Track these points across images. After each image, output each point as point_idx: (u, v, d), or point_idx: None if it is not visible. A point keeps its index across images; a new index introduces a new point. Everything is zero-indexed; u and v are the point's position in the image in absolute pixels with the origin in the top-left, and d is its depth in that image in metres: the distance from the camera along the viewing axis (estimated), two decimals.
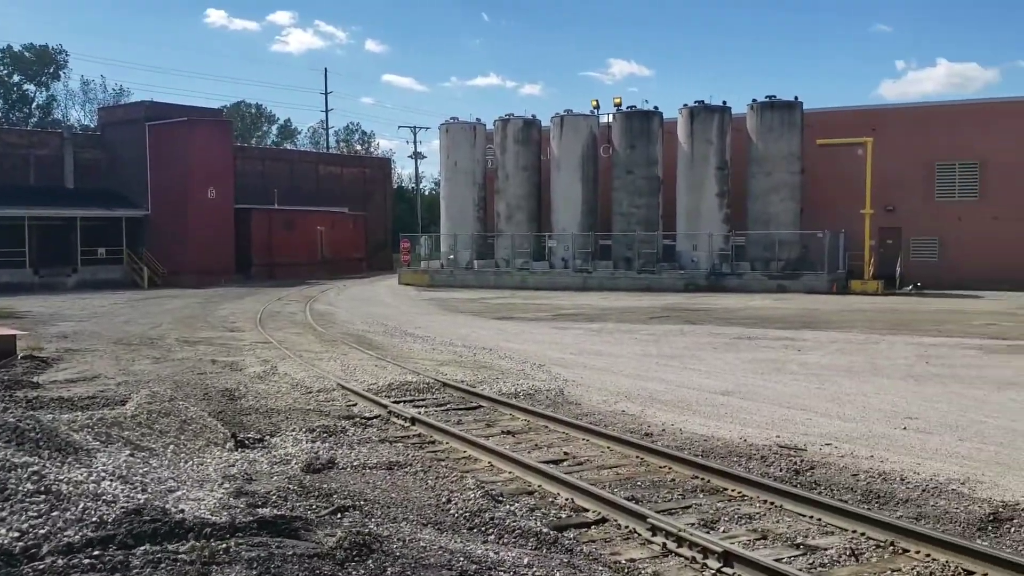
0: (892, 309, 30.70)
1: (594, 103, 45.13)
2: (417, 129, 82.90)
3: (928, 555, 6.95)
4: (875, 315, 28.39)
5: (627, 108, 44.09)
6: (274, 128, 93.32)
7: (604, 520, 8.04)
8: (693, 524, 7.73)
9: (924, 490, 8.73)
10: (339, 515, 7.81)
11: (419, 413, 12.43)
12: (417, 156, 79.40)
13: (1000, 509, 8.09)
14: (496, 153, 46.87)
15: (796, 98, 41.91)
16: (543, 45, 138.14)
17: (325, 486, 8.78)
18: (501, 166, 46.47)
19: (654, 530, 7.53)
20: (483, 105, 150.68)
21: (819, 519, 7.86)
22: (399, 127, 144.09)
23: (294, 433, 11.29)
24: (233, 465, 9.54)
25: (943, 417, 12.39)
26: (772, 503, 8.35)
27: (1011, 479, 9.12)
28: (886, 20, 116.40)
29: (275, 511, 7.48)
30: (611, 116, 44.54)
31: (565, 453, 10.53)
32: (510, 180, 46.27)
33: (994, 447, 10.60)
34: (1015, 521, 7.78)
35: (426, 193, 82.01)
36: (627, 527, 7.81)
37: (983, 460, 9.95)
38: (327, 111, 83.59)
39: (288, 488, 8.64)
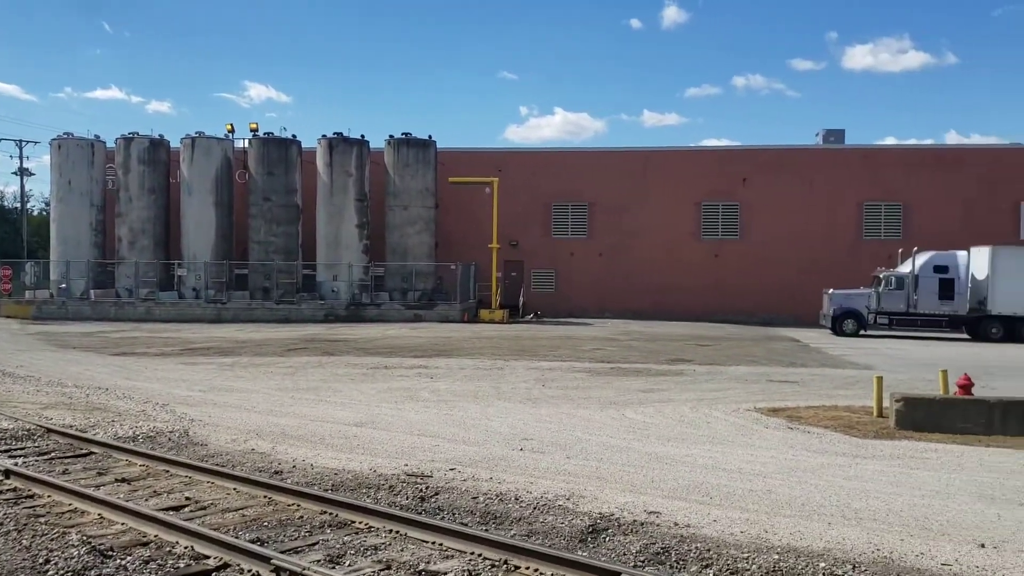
0: (516, 336, 33.02)
1: (229, 127, 43.77)
2: (23, 143, 74.17)
3: (536, 570, 7.49)
4: (501, 342, 30.34)
5: (264, 134, 43.27)
6: None
7: (226, 566, 7.67)
8: (319, 561, 7.65)
9: (535, 507, 9.43)
10: None
11: (15, 464, 11.03)
12: (23, 173, 70.97)
13: (598, 521, 8.97)
14: (118, 173, 43.50)
15: (430, 136, 43.89)
16: (174, 61, 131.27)
17: None
18: (124, 187, 43.24)
19: (278, 571, 7.34)
20: (104, 121, 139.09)
21: (441, 544, 8.15)
22: (0, 139, 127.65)
23: None
24: None
25: (555, 437, 13.52)
26: (398, 532, 8.51)
27: (608, 492, 10.16)
28: (511, 68, 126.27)
29: None
30: (247, 141, 43.41)
31: (187, 498, 9.93)
32: (134, 203, 43.20)
33: (595, 463, 11.75)
34: (609, 531, 8.67)
35: (35, 214, 73.68)
36: (250, 571, 7.53)
37: (585, 475, 10.98)
38: None
39: None
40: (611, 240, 46.39)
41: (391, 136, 43.57)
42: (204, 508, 9.53)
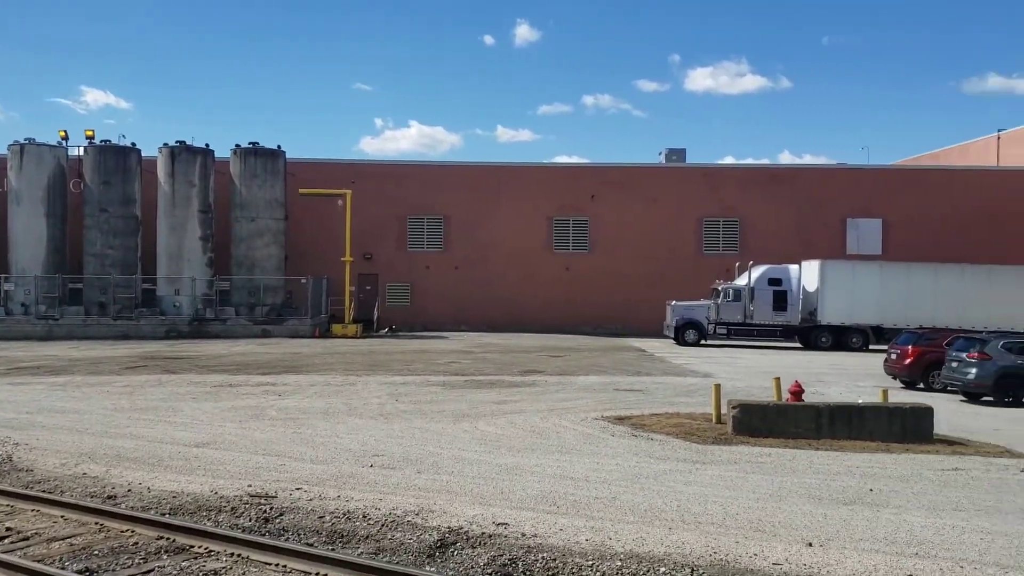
0: (370, 351, 32.62)
1: (62, 133, 41.39)
2: None
3: None
4: (354, 357, 29.90)
5: (101, 142, 41.17)
6: None
7: None
8: None
9: (384, 524, 9.32)
10: None
11: None
12: None
13: (447, 535, 8.95)
14: None
15: (279, 146, 42.87)
16: (2, 63, 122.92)
17: None
18: None
19: None
20: None
21: (285, 565, 7.94)
22: None
23: None
24: None
25: (406, 452, 13.42)
26: (239, 555, 8.23)
27: (458, 505, 10.16)
28: (366, 80, 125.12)
29: None
30: (83, 149, 41.15)
31: (8, 529, 9.26)
32: None
33: (446, 476, 11.74)
34: (458, 545, 8.67)
35: None
36: None
37: (436, 490, 10.95)
38: None
39: None
40: (467, 253, 46.64)
41: (237, 145, 42.26)
42: (27, 539, 8.92)
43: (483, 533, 9.03)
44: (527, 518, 9.61)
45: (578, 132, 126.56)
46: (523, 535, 8.99)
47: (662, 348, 36.30)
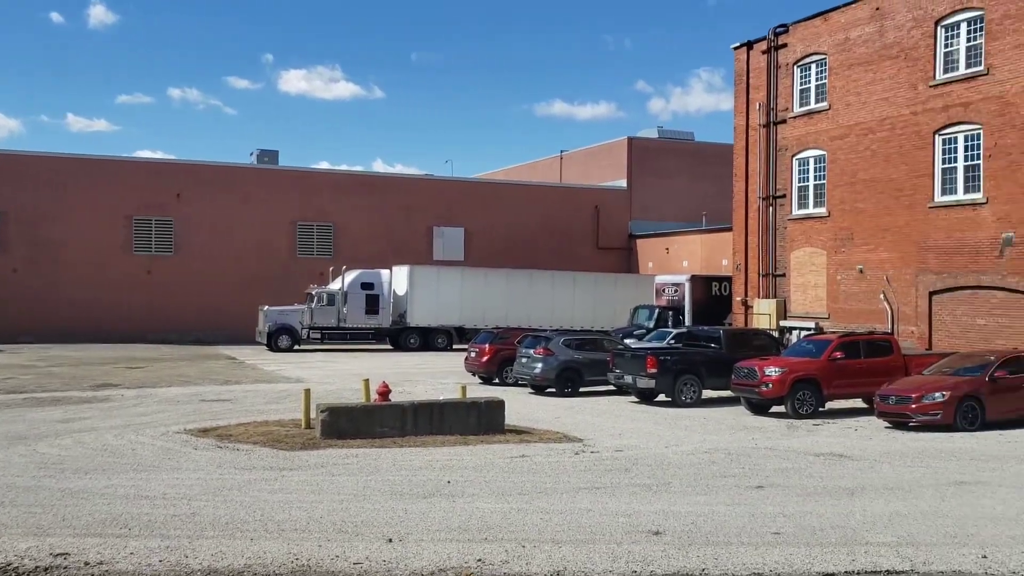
0: None
1: None
2: None
3: None
4: None
5: None
6: None
7: None
8: None
9: None
10: None
11: None
12: None
13: None
14: None
15: None
16: None
17: None
18: None
19: None
20: None
21: None
22: None
23: None
24: None
25: None
26: None
27: (7, 539, 8.95)
28: None
29: None
30: None
31: None
32: None
33: None
34: None
35: None
36: None
37: None
38: None
39: None
40: (29, 254, 41.52)
41: None
42: None
43: (37, 567, 8.06)
44: (92, 545, 8.75)
45: (163, 126, 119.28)
46: (86, 563, 8.17)
47: (254, 355, 35.38)
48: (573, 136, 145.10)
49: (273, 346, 38.05)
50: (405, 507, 10.47)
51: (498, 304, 39.78)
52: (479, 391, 22.01)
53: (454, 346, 39.23)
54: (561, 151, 61.58)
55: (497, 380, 25.85)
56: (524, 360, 24.02)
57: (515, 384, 24.99)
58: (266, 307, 38.76)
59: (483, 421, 16.12)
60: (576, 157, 59.87)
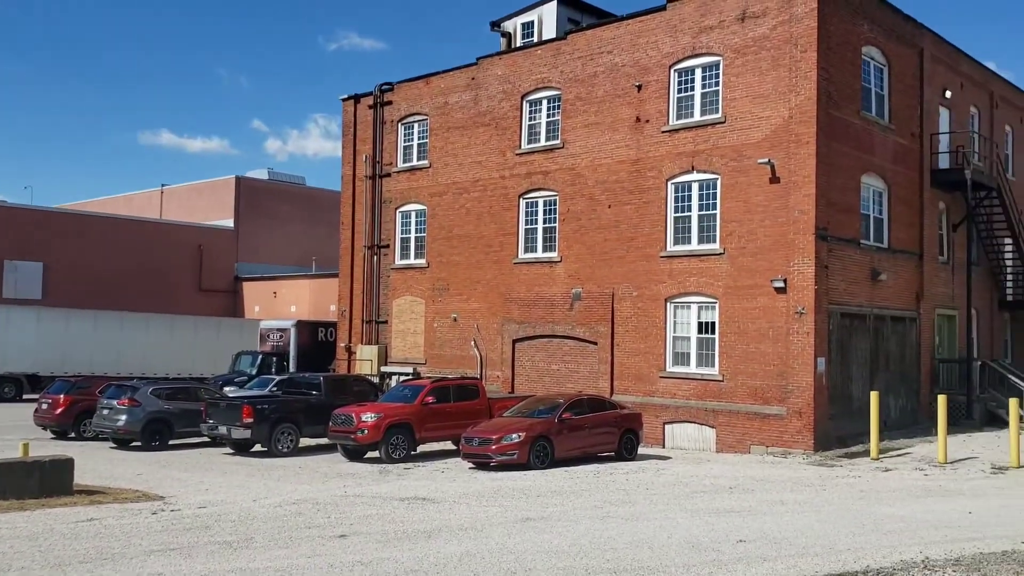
0: None
1: None
2: None
3: None
4: None
5: None
6: None
7: None
8: None
9: None
10: None
11: None
12: None
13: None
14: None
15: None
16: None
17: None
18: None
19: None
20: None
21: None
22: None
23: None
24: None
25: None
26: None
27: None
28: None
29: None
30: None
31: None
32: None
33: None
34: None
35: None
36: None
37: None
38: None
39: None
40: None
41: None
42: None
43: None
44: None
45: None
46: None
47: None
48: (183, 170, 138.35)
49: None
50: None
51: (83, 349, 36.26)
52: (50, 448, 19.84)
53: (24, 396, 34.94)
54: (162, 185, 58.26)
55: (73, 434, 23.50)
56: (106, 412, 22.08)
57: (95, 438, 22.89)
58: None
59: (46, 482, 14.44)
60: (179, 193, 56.96)
